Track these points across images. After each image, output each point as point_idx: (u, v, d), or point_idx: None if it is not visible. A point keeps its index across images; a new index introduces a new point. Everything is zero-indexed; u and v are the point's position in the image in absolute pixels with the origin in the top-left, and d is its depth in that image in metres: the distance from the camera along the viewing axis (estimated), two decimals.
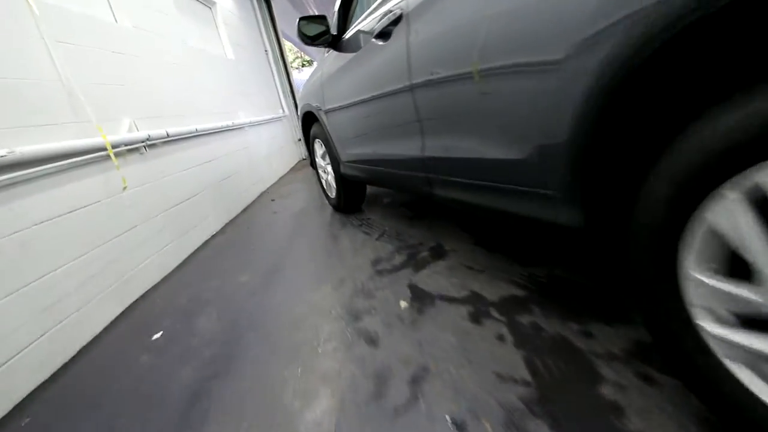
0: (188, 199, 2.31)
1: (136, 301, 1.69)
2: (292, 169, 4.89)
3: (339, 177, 2.15)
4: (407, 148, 1.25)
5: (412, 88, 1.10)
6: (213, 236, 2.48)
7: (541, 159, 0.73)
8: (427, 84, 1.02)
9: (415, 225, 1.90)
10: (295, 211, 2.75)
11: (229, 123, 3.10)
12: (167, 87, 2.37)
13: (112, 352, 1.31)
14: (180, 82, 2.53)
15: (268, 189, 3.84)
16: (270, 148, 4.26)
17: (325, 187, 2.59)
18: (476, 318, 1.05)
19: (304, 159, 5.63)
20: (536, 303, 1.06)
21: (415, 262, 1.48)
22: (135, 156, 1.93)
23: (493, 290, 1.17)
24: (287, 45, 7.51)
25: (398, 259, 1.54)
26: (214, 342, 1.23)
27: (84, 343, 1.39)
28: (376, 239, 1.82)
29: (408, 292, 1.27)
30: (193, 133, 2.46)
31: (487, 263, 1.35)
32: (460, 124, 0.96)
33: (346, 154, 1.91)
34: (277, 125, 4.74)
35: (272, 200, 3.28)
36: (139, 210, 1.87)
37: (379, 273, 1.46)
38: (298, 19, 1.63)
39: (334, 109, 1.86)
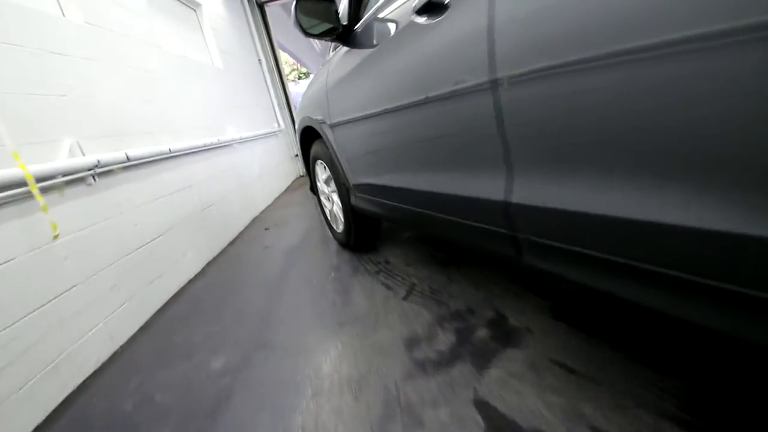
0: (156, 238, 1.82)
1: (67, 399, 1.19)
2: (289, 189, 4.42)
3: (349, 209, 1.67)
4: (475, 185, 0.78)
5: (493, 87, 0.64)
6: (190, 282, 1.99)
7: None
8: (535, 76, 0.56)
9: (452, 276, 1.42)
10: (292, 244, 2.26)
11: (215, 140, 2.64)
12: (133, 99, 1.91)
13: None
14: (151, 93, 2.07)
15: (261, 214, 3.36)
16: (264, 167, 3.79)
17: (328, 217, 2.11)
18: None
19: (302, 176, 5.17)
20: None
21: (473, 351, 0.99)
22: (79, 188, 1.46)
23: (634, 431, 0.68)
24: (283, 56, 7.15)
25: (444, 341, 1.05)
26: None
27: None
28: (404, 298, 1.34)
29: (478, 418, 0.78)
30: (166, 154, 1.99)
31: (592, 361, 0.87)
32: (615, 151, 0.50)
33: (360, 182, 1.44)
34: (271, 140, 4.29)
35: (266, 229, 2.80)
36: (81, 262, 1.38)
37: (421, 368, 0.97)
38: (294, 2, 1.17)
39: (343, 123, 1.40)
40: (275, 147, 4.42)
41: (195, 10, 3.17)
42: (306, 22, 1.17)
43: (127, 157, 1.66)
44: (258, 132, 3.75)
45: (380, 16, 1.10)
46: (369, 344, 1.11)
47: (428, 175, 0.95)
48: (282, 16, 5.77)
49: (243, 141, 3.28)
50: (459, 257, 1.56)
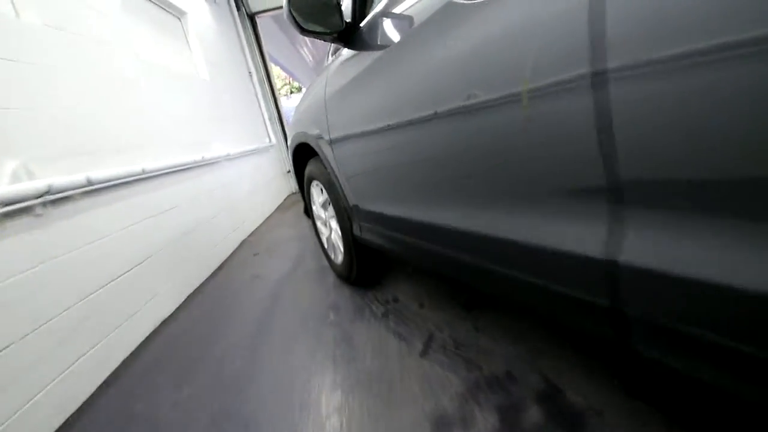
0: (125, 273, 1.55)
1: None
2: (281, 207, 4.17)
3: (351, 239, 1.43)
4: (554, 230, 0.54)
5: (598, 83, 0.41)
6: (165, 321, 1.71)
7: None
8: (676, 66, 0.34)
9: (478, 322, 1.18)
10: (284, 274, 2.00)
11: (199, 158, 2.38)
12: (103, 113, 1.66)
13: None
14: (125, 106, 1.82)
15: (250, 236, 3.09)
16: (254, 185, 3.55)
17: (325, 245, 1.86)
18: None
19: (294, 193, 4.92)
20: None
21: None
22: (24, 220, 1.19)
23: None
24: (274, 70, 6.99)
25: (485, 425, 0.80)
26: None
27: None
28: (422, 354, 1.09)
29: None
30: (139, 174, 1.73)
31: None
32: None
33: (367, 210, 1.20)
34: (262, 156, 4.06)
35: (255, 255, 2.53)
36: (22, 313, 1.11)
37: None
38: None
39: (346, 138, 1.17)
40: (266, 163, 4.18)
41: (180, 19, 2.96)
42: (301, 17, 0.95)
43: (89, 181, 1.41)
44: (248, 148, 3.51)
45: (394, 10, 0.88)
46: (384, 428, 0.85)
47: (473, 209, 0.70)
48: (273, 27, 5.62)
49: (231, 158, 3.04)
50: (483, 297, 1.32)
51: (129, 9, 2.15)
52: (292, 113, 1.90)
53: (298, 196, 4.52)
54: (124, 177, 1.63)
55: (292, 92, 15.22)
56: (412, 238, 0.98)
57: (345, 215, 1.40)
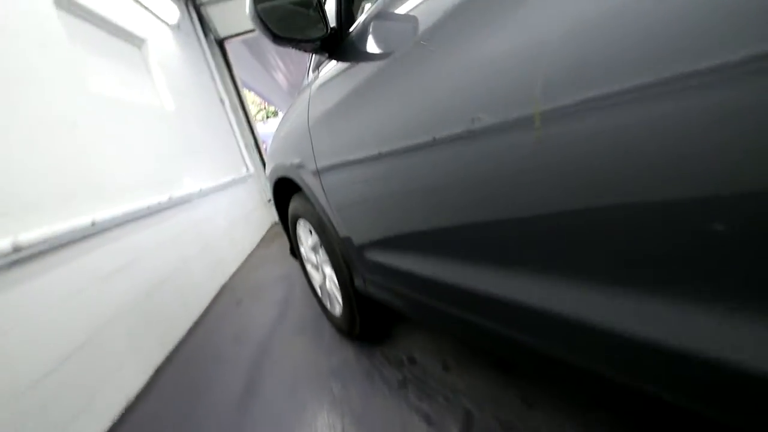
0: (70, 356, 1.24)
1: None
2: (264, 240, 3.87)
3: (352, 291, 1.17)
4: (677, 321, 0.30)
5: None
6: (127, 410, 1.39)
7: None
8: None
9: (524, 392, 0.93)
10: (272, 328, 1.71)
11: (165, 198, 2.09)
12: (41, 157, 1.37)
13: None
14: (72, 147, 1.54)
15: (231, 279, 2.78)
16: (232, 220, 3.25)
17: (319, 293, 1.59)
18: None
19: (277, 223, 4.63)
20: None
21: None
22: None
23: None
24: (248, 96, 6.78)
25: None
26: None
27: None
28: None
29: None
30: (89, 228, 1.44)
31: None
32: None
33: (374, 261, 0.95)
34: (240, 188, 3.77)
35: (238, 303, 2.23)
36: None
37: None
38: None
39: (338, 167, 0.92)
40: (244, 194, 3.90)
41: (139, 48, 2.70)
42: (273, 21, 0.71)
43: (14, 247, 1.11)
44: (223, 180, 3.23)
45: (393, 10, 0.66)
46: None
47: (564, 276, 0.46)
48: (245, 53, 5.41)
49: (204, 194, 2.75)
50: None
51: (77, 40, 1.88)
52: (270, 139, 1.67)
53: (281, 228, 4.24)
54: (68, 234, 1.34)
55: (268, 117, 15.01)
56: (433, 299, 0.73)
57: (343, 264, 1.15)
